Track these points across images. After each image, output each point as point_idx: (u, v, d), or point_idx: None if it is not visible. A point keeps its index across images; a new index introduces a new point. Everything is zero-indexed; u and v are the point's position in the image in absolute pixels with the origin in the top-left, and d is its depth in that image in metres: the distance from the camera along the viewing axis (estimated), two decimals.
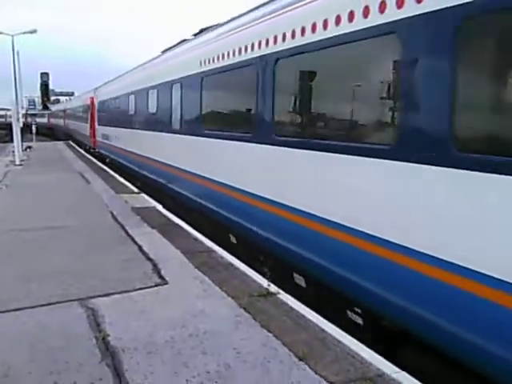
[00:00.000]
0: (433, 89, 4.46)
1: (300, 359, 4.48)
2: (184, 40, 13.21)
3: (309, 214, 6.21)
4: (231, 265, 7.28)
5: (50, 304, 5.75)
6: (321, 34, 5.97)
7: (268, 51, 7.23)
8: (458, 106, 4.22)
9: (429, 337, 4.63)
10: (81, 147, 34.44)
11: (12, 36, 32.15)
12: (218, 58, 9.19)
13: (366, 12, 5.15)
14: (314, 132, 6.54)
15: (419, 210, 4.59)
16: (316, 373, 4.26)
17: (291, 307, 5.71)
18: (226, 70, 8.87)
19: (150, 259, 7.43)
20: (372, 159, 5.16)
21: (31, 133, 41.77)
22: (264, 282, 6.36)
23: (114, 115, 21.27)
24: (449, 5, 4.16)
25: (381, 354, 4.69)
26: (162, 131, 13.14)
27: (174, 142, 12.11)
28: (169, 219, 10.62)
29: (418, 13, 4.50)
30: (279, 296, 6.03)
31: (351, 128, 5.96)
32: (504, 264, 3.79)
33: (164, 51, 15.21)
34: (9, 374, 4.24)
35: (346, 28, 5.49)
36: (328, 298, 6.15)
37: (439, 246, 4.35)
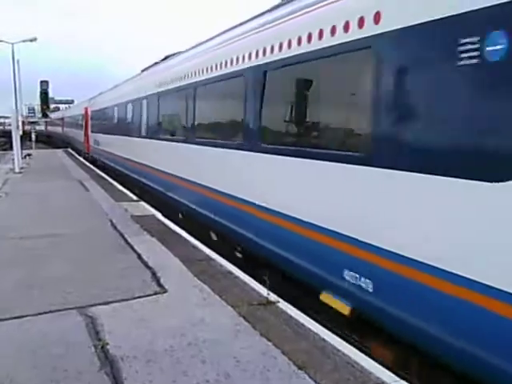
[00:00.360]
0: None
1: (299, 368, 4.47)
2: (155, 63, 16.45)
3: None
4: (230, 273, 7.27)
5: (49, 312, 5.74)
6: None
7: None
8: None
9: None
10: (80, 155, 34.58)
11: (12, 44, 32.28)
12: (161, 85, 13.30)
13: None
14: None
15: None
16: (316, 382, 4.25)
17: (291, 316, 5.71)
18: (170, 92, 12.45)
19: (149, 267, 7.43)
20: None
21: (30, 140, 41.83)
22: (263, 291, 6.35)
23: (103, 124, 24.80)
24: None
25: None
26: (129, 136, 17.53)
27: (133, 143, 17.01)
28: (168, 227, 10.61)
29: None
30: (279, 305, 6.03)
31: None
32: None
33: (142, 70, 18.15)
34: (9, 381, 4.23)
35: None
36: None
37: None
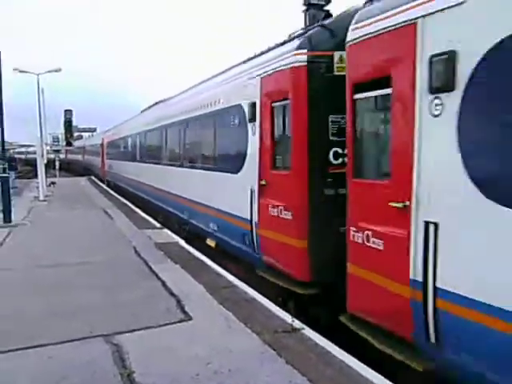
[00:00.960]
0: None
1: None
2: (155, 103, 20.94)
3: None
4: (254, 300, 7.26)
5: (75, 340, 5.78)
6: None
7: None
8: None
9: None
10: (102, 181, 35.68)
11: (37, 75, 32.90)
12: (147, 124, 19.39)
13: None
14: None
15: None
16: None
17: (316, 343, 5.66)
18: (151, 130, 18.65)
19: (173, 295, 7.45)
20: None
21: (54, 168, 42.40)
22: (288, 318, 6.33)
23: (115, 152, 29.84)
24: None
25: None
26: (131, 161, 23.10)
27: (133, 166, 22.61)
28: (191, 254, 10.65)
29: None
30: (304, 332, 5.99)
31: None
32: None
33: (142, 111, 23.77)
34: None
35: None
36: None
37: None
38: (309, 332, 6.00)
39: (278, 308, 6.89)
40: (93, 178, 41.92)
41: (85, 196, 25.29)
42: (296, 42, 7.20)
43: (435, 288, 4.40)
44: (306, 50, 6.89)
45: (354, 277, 5.78)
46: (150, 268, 9.18)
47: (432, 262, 4.44)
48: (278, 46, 8.04)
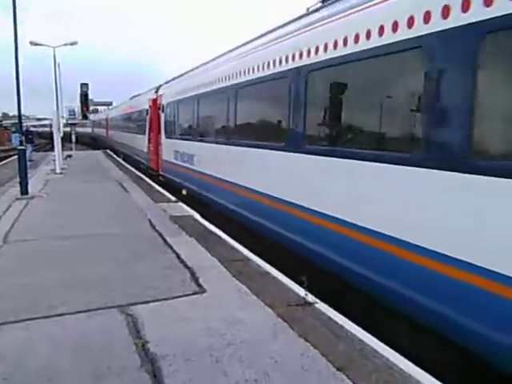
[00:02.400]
0: None
1: (338, 369, 4.46)
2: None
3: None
4: (268, 273, 7.30)
5: (90, 310, 5.87)
6: None
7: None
8: None
9: None
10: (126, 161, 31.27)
11: (53, 48, 32.86)
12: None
13: None
14: None
15: None
16: None
17: (329, 317, 5.69)
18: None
19: (187, 267, 7.52)
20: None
21: (71, 142, 42.67)
22: (301, 292, 6.36)
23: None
24: None
25: None
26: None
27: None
28: (206, 227, 10.72)
29: None
30: (317, 306, 6.02)
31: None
32: None
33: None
34: (52, 378, 4.35)
35: None
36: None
37: None
38: (322, 306, 6.03)
39: (291, 281, 6.92)
40: (108, 151, 42.07)
41: (100, 169, 25.47)
42: None
43: None
44: None
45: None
46: (165, 241, 9.24)
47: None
48: None
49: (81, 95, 29.00)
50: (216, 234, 10.03)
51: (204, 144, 13.32)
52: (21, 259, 8.11)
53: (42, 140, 63.06)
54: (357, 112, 6.74)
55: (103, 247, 8.86)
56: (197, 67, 15.87)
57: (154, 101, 20.98)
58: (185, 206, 13.58)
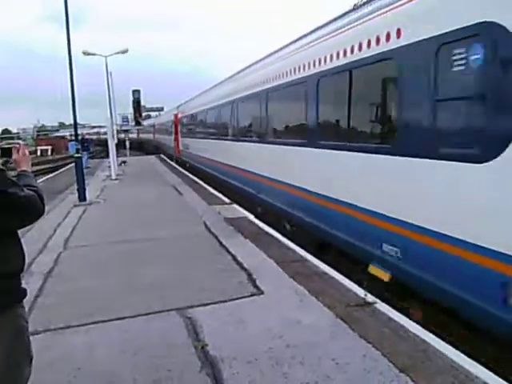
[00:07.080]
0: None
1: (401, 371, 4.35)
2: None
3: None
4: (326, 274, 7.21)
5: (150, 313, 5.94)
6: None
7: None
8: None
9: None
10: (171, 159, 36.60)
11: (105, 57, 33.67)
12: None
13: None
14: None
15: None
16: None
17: (389, 317, 5.57)
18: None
19: (244, 269, 7.51)
20: None
21: (125, 148, 43.58)
22: (361, 292, 6.25)
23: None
24: None
25: None
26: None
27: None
28: (260, 228, 10.70)
29: None
30: (377, 306, 5.90)
31: None
32: None
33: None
34: (113, 381, 4.41)
35: None
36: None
37: None
38: (381, 306, 5.91)
39: (350, 282, 6.81)
40: (162, 156, 42.83)
41: (155, 173, 25.86)
42: None
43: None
44: None
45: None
46: (221, 243, 9.28)
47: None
48: None
49: (133, 101, 29.62)
50: (271, 235, 10.00)
51: (197, 139, 24.85)
52: (81, 264, 8.32)
53: (97, 147, 65.32)
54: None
55: (160, 251, 8.98)
56: (199, 94, 26.36)
57: (176, 115, 34.14)
58: (239, 208, 13.61)
